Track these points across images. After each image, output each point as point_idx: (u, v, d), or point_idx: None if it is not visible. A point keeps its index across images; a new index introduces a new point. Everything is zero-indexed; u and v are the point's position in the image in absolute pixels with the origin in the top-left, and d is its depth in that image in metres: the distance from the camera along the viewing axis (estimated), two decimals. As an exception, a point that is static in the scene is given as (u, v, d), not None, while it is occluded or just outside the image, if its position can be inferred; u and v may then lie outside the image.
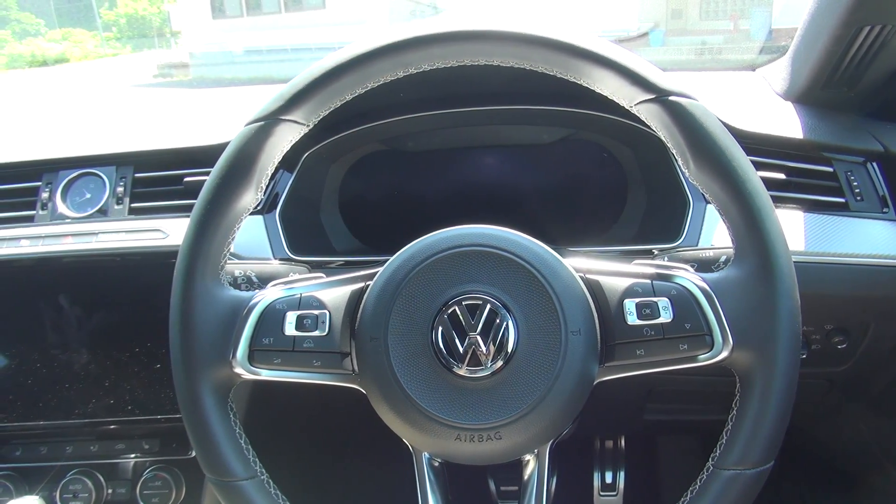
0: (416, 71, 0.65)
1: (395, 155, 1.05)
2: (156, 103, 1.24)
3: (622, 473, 1.30)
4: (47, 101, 1.32)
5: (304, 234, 0.98)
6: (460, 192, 1.07)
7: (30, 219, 0.99)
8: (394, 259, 0.66)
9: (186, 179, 0.99)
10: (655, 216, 0.97)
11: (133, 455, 0.97)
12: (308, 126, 0.67)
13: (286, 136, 0.66)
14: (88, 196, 1.00)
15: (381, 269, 0.66)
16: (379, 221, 1.07)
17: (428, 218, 1.07)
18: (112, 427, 0.94)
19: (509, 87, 0.97)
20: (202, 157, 1.01)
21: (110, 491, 0.97)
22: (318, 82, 0.63)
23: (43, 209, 0.99)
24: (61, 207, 0.99)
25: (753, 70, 1.19)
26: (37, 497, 0.88)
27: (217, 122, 1.06)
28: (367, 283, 0.67)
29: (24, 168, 1.02)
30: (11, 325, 0.94)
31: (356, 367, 0.65)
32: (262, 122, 0.65)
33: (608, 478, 1.31)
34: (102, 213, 0.99)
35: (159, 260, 0.92)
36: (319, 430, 1.18)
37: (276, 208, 0.96)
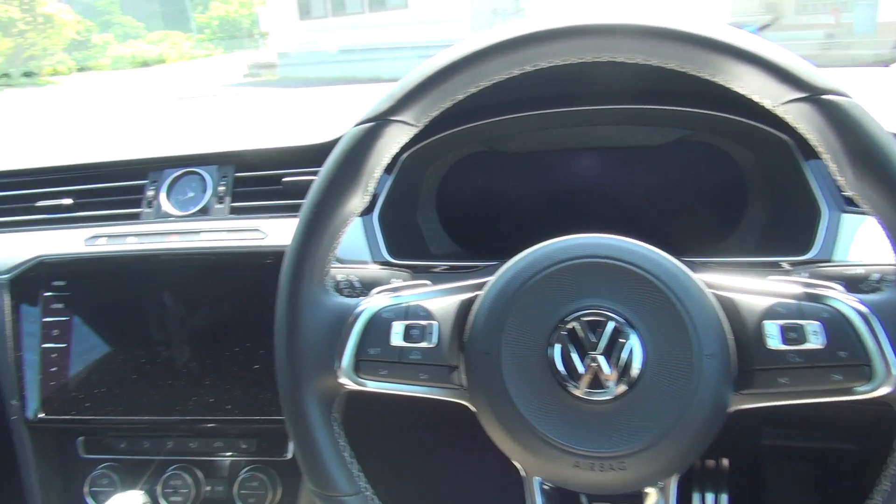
0: (532, 69, 0.61)
1: (495, 156, 1.01)
2: (251, 102, 1.25)
3: (725, 498, 1.21)
4: (149, 99, 1.35)
5: (402, 237, 0.96)
6: (563, 197, 1.02)
7: (136, 216, 1.01)
8: (506, 269, 0.62)
9: (285, 180, 0.98)
10: (779, 225, 0.89)
11: (231, 454, 0.97)
12: (418, 127, 0.64)
13: (396, 138, 0.63)
14: (191, 195, 1.01)
15: (491, 278, 0.63)
16: (477, 225, 1.04)
17: (528, 223, 1.02)
18: (211, 425, 0.94)
19: (618, 84, 0.91)
20: (301, 157, 1.00)
21: (209, 488, 0.97)
22: (431, 81, 0.60)
23: (148, 207, 1.01)
24: (166, 206, 1.00)
25: (888, 66, 1.08)
26: (141, 492, 0.90)
27: (313, 121, 1.05)
28: (477, 293, 0.63)
29: (131, 167, 1.05)
30: (118, 321, 0.96)
31: (465, 382, 0.62)
32: (372, 123, 0.62)
33: (709, 501, 1.23)
34: (204, 211, 0.99)
35: (257, 260, 0.92)
36: (423, 444, 1.16)
37: (374, 210, 0.94)
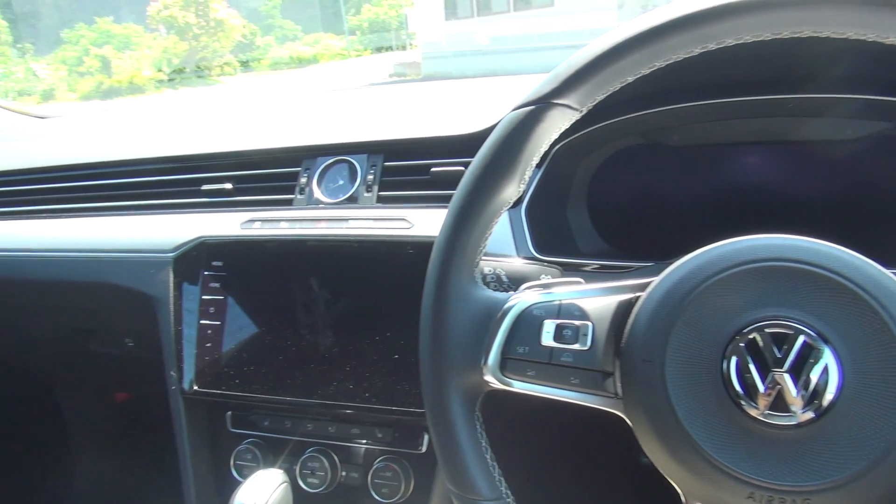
0: (716, 47, 0.54)
1: (656, 149, 0.94)
2: (399, 95, 1.25)
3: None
4: (302, 96, 1.39)
5: (549, 232, 0.91)
6: (731, 196, 0.93)
7: (289, 202, 1.04)
8: (675, 269, 0.56)
9: (434, 170, 0.97)
10: None
11: (366, 441, 0.97)
12: (581, 112, 0.59)
13: (556, 123, 0.58)
14: (341, 183, 1.03)
15: (657, 278, 0.57)
16: (631, 223, 0.97)
17: (690, 222, 0.94)
18: (348, 411, 0.94)
19: (806, 69, 0.81)
20: (451, 147, 0.98)
21: (344, 473, 0.98)
22: (601, 61, 0.55)
23: (301, 193, 1.03)
24: (317, 193, 1.02)
25: None
26: (280, 471, 0.91)
27: (461, 113, 1.03)
28: (638, 294, 0.58)
29: (287, 154, 1.07)
30: (268, 302, 0.98)
31: (620, 391, 0.56)
32: (532, 107, 0.58)
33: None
34: (353, 199, 1.00)
35: (403, 249, 0.91)
36: (569, 452, 1.11)
37: (522, 203, 0.90)
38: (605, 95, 0.58)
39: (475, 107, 1.05)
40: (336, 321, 0.95)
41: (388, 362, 0.91)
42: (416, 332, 0.88)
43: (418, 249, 0.90)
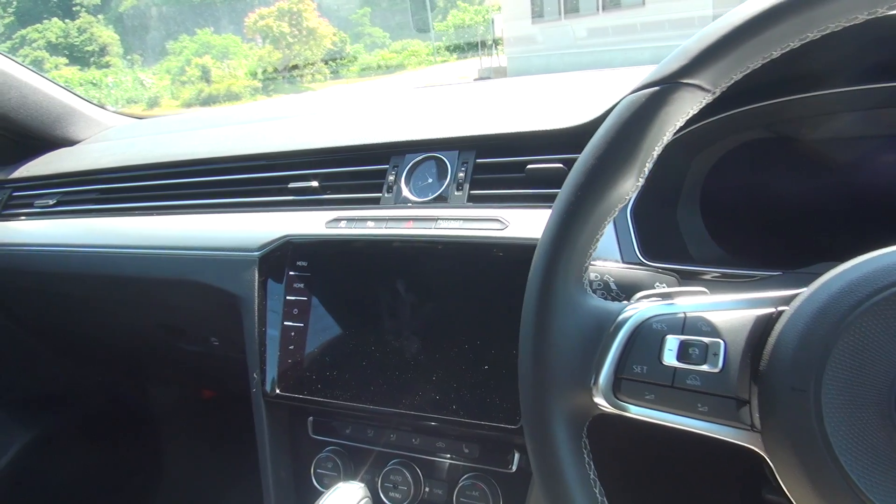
0: (887, 11, 0.44)
1: (782, 144, 0.83)
2: (489, 91, 1.18)
3: None
4: (389, 94, 1.34)
5: (657, 235, 0.82)
6: (867, 197, 0.81)
7: (376, 201, 0.99)
8: (830, 280, 0.46)
9: (530, 167, 0.90)
10: None
11: (452, 456, 0.91)
12: (714, 94, 0.50)
13: (684, 107, 0.50)
14: (430, 181, 0.97)
15: (806, 290, 0.47)
16: (751, 226, 0.86)
17: (819, 227, 0.83)
18: (433, 423, 0.88)
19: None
20: (548, 143, 0.91)
21: (427, 489, 0.92)
22: (744, 32, 0.46)
23: (388, 192, 0.98)
24: (405, 191, 0.97)
25: None
26: (361, 484, 0.86)
27: (558, 107, 0.95)
28: (781, 308, 0.48)
29: (374, 151, 1.03)
30: (352, 305, 0.94)
31: (757, 423, 0.47)
32: (657, 88, 0.50)
33: None
34: (442, 198, 0.94)
35: (496, 252, 0.85)
36: (681, 483, 1.01)
37: (627, 203, 0.81)
38: (742, 75, 0.49)
39: (572, 101, 0.96)
40: (423, 327, 0.89)
41: (478, 373, 0.84)
42: (508, 341, 0.82)
43: (512, 252, 0.83)
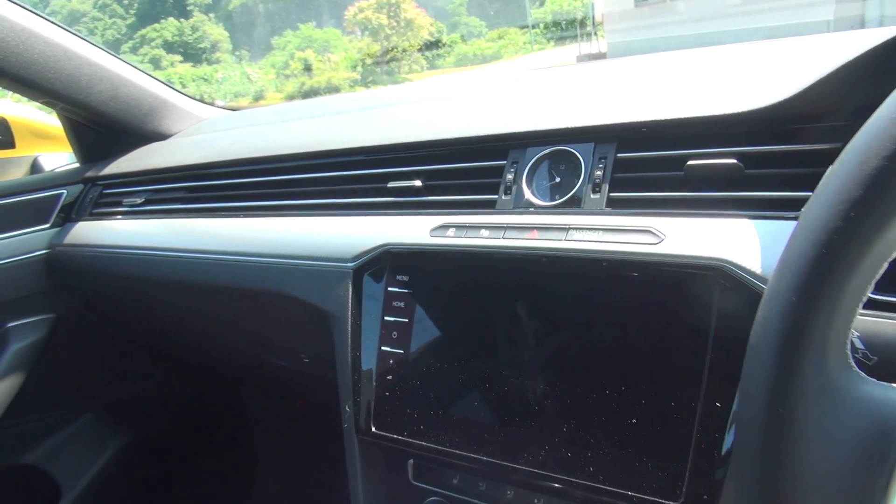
0: None
1: None
2: (624, 70, 0.97)
3: None
4: (500, 77, 1.16)
5: None
6: None
7: (491, 204, 0.83)
8: None
9: (691, 163, 0.70)
10: None
11: (582, 527, 0.72)
12: None
13: None
14: (559, 180, 0.80)
15: None
16: None
17: None
18: (559, 486, 0.70)
19: None
20: (717, 131, 0.71)
21: (549, 563, 0.74)
22: None
23: (506, 194, 0.81)
24: (527, 193, 0.80)
25: None
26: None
27: (716, 89, 0.74)
28: None
29: (489, 144, 0.86)
30: (463, 330, 0.79)
31: None
32: None
33: None
34: (574, 202, 0.76)
35: (647, 273, 0.66)
36: None
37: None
38: None
39: (736, 78, 0.76)
40: (551, 363, 0.72)
41: (624, 427, 0.66)
42: (662, 390, 0.64)
43: (670, 275, 0.65)
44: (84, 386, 1.43)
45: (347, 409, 0.84)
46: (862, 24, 9.46)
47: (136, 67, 1.38)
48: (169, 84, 1.44)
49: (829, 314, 0.32)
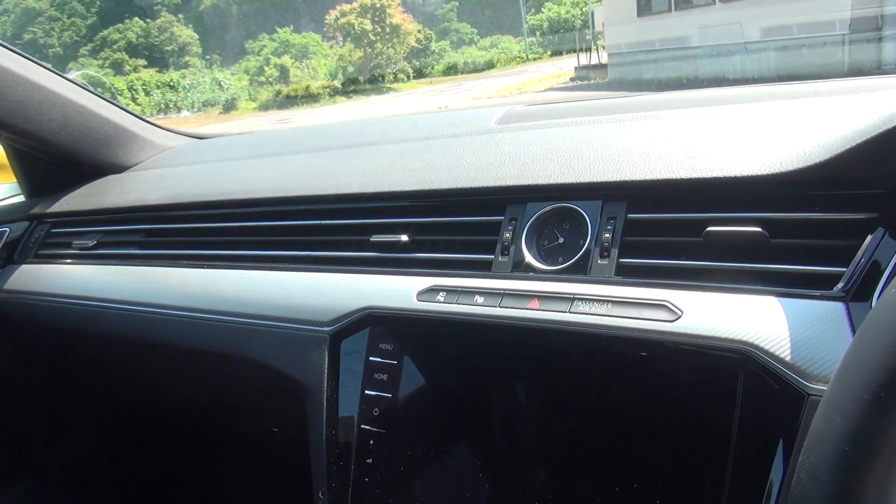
0: None
1: None
2: (638, 125, 0.95)
3: None
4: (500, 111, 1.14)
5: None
6: None
7: (486, 265, 0.81)
8: None
9: (711, 229, 0.68)
10: None
11: None
12: None
13: None
14: (561, 241, 0.78)
15: None
16: None
17: None
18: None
19: None
20: (741, 194, 0.70)
21: None
22: None
23: (503, 254, 0.79)
24: (527, 255, 0.78)
25: None
26: None
27: (742, 146, 0.73)
28: None
29: (486, 197, 0.85)
30: (453, 411, 0.77)
31: None
32: None
33: None
34: (580, 268, 0.75)
35: (663, 354, 0.65)
36: None
37: None
38: None
39: (764, 134, 0.74)
40: (552, 453, 0.70)
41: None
42: (676, 491, 0.62)
43: (689, 357, 0.63)
44: (21, 451, 1.38)
45: (321, 496, 0.81)
46: (879, 26, 9.62)
47: (92, 92, 1.35)
48: (128, 110, 1.42)
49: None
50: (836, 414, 0.34)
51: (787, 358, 0.58)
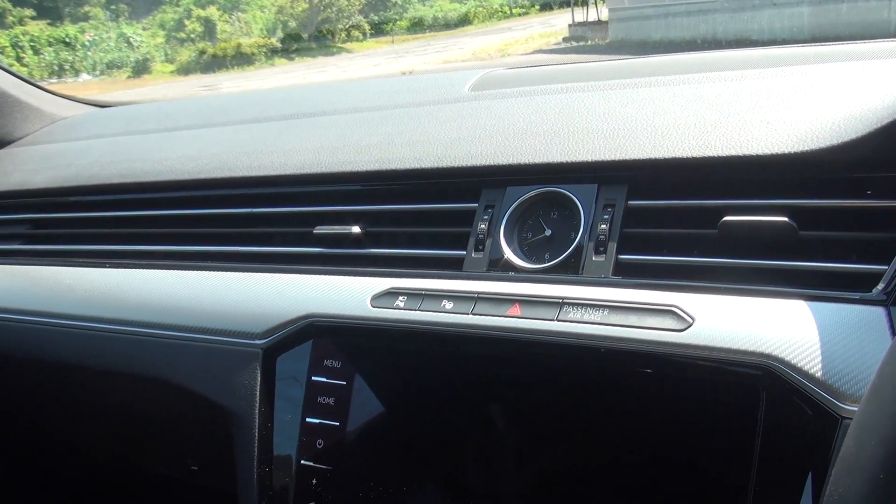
0: None
1: None
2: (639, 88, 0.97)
3: None
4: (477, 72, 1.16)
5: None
6: None
7: (456, 263, 0.83)
8: None
9: (727, 219, 0.71)
10: None
11: None
12: None
13: None
14: (548, 234, 0.81)
15: None
16: None
17: None
18: None
19: None
20: (763, 177, 0.73)
21: None
22: None
23: (477, 250, 0.82)
24: (506, 250, 0.81)
25: None
26: None
27: (762, 119, 0.76)
28: None
29: (456, 179, 0.88)
30: (415, 441, 0.79)
31: None
32: None
33: None
34: (571, 266, 0.78)
35: (670, 370, 0.67)
36: None
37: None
38: None
39: (790, 103, 0.77)
40: (540, 492, 0.73)
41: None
42: None
43: (700, 373, 0.66)
44: None
45: None
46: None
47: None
48: (11, 71, 1.42)
49: None
50: (869, 436, 0.35)
51: (818, 374, 0.60)
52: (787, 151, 0.70)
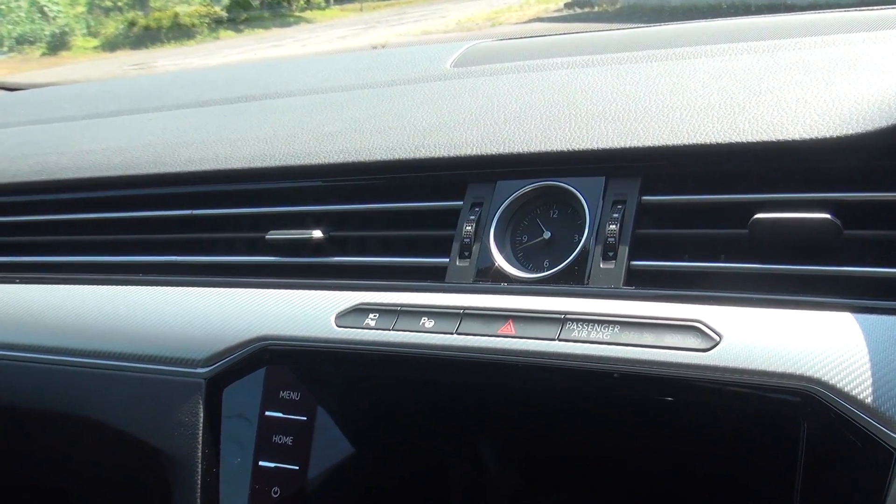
0: None
1: None
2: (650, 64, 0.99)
3: None
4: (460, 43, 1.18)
5: None
6: None
7: (438, 273, 0.85)
8: None
9: (759, 216, 0.72)
10: None
11: None
12: None
13: None
14: (547, 237, 0.82)
15: None
16: None
17: None
18: None
19: None
20: (800, 165, 0.74)
21: None
22: None
23: (463, 257, 0.84)
24: (497, 257, 0.82)
25: None
26: None
27: (801, 97, 0.77)
28: None
29: (437, 172, 0.89)
30: (391, 487, 0.80)
31: None
32: None
33: None
34: (574, 274, 0.79)
35: (694, 397, 0.69)
36: None
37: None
38: None
39: (829, 77, 0.78)
40: None
41: None
42: None
43: (730, 400, 0.67)
44: None
45: None
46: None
47: None
48: None
49: None
50: None
51: (868, 400, 0.62)
52: (828, 136, 0.71)
